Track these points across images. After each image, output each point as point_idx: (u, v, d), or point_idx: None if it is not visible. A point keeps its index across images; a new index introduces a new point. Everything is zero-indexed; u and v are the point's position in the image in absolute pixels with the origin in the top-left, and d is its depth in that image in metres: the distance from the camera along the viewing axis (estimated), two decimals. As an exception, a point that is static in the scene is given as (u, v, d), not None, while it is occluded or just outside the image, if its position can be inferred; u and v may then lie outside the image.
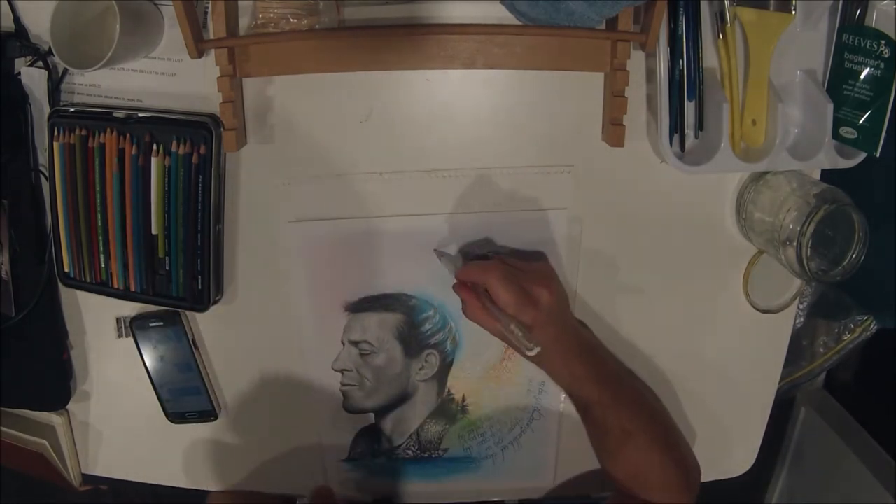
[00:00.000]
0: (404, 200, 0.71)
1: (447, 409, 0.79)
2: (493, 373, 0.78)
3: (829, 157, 0.67)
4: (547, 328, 0.63)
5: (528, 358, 0.65)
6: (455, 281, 0.66)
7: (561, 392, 0.78)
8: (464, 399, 0.79)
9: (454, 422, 0.80)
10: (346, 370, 0.77)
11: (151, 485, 0.83)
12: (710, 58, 0.66)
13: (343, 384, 0.78)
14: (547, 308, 0.63)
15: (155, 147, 0.65)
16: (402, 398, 0.79)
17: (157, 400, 0.77)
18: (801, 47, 0.66)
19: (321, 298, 0.74)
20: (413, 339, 0.76)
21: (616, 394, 0.68)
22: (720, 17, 0.64)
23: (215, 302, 0.71)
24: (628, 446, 0.68)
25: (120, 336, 0.75)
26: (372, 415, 0.79)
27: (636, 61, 0.66)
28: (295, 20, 0.62)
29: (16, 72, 0.67)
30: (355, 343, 0.76)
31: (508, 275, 0.62)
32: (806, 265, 0.64)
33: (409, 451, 0.81)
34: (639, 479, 0.69)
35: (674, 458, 0.69)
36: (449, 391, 0.78)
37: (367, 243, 0.72)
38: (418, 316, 0.75)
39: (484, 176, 0.70)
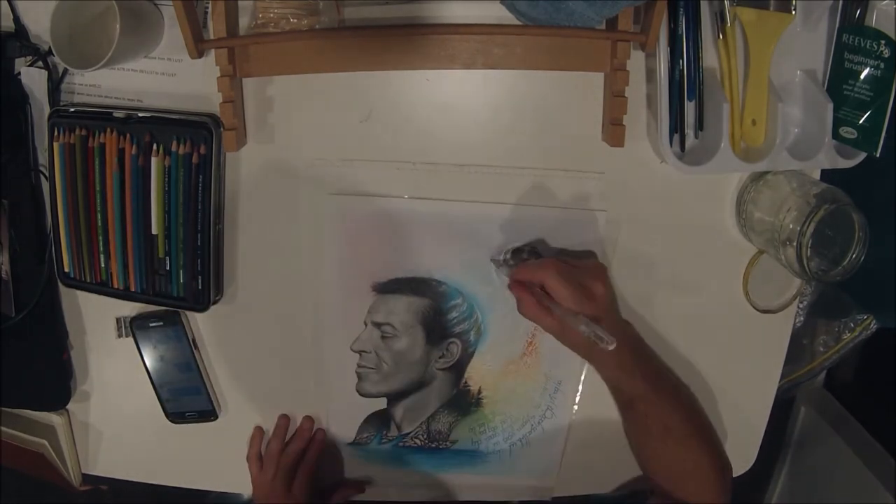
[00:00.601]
0: (439, 189, 0.70)
1: (461, 401, 0.79)
2: (513, 367, 0.77)
3: (829, 157, 0.67)
4: (602, 321, 0.64)
5: (580, 352, 0.68)
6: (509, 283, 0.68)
7: (576, 393, 0.78)
8: (479, 392, 0.78)
9: (466, 414, 0.79)
10: (364, 352, 0.76)
11: (151, 485, 0.83)
12: (710, 58, 0.66)
13: (360, 366, 0.77)
14: (602, 301, 0.65)
15: (155, 147, 0.65)
16: (418, 385, 0.78)
17: (157, 400, 0.77)
18: (801, 47, 0.66)
19: (350, 275, 0.73)
20: (437, 326, 0.75)
21: (658, 389, 0.69)
22: (720, 17, 0.64)
23: (215, 302, 0.71)
24: (668, 442, 0.68)
25: (120, 336, 0.75)
26: (384, 400, 0.79)
27: (636, 61, 0.66)
28: (295, 20, 0.62)
29: (16, 72, 0.67)
30: (378, 325, 0.75)
31: (564, 271, 0.64)
32: (806, 265, 0.64)
33: (417, 440, 0.81)
34: (676, 477, 0.69)
35: (711, 455, 0.70)
36: (465, 382, 0.78)
37: (402, 224, 0.71)
38: (446, 303, 0.74)
39: (521, 175, 0.70)
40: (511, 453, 0.81)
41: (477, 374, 0.78)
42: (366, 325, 0.75)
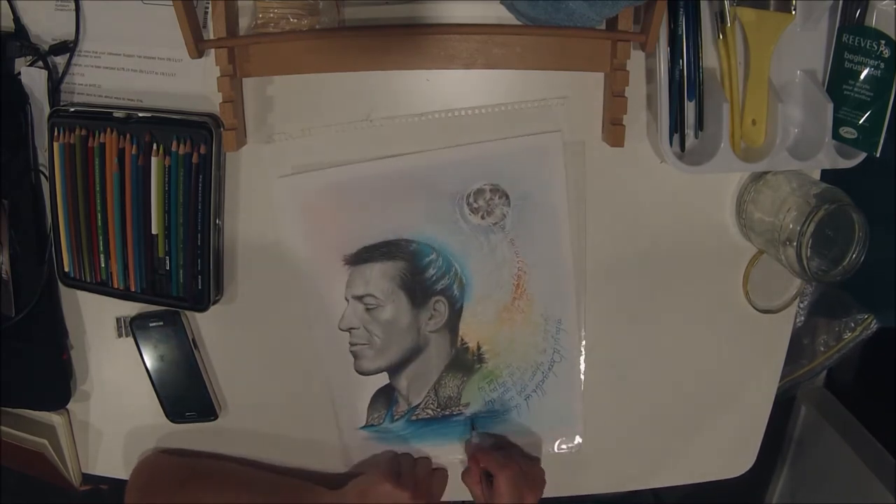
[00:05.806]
0: (395, 144, 0.69)
1: (463, 360, 0.76)
2: (506, 315, 0.74)
3: (829, 157, 0.67)
4: None
5: None
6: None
7: (580, 329, 0.75)
8: (479, 347, 0.76)
9: (472, 373, 0.76)
10: (353, 328, 0.74)
11: (152, 484, 0.83)
12: (710, 58, 0.66)
13: (352, 344, 0.75)
14: None
15: (155, 147, 0.65)
16: (415, 352, 0.75)
17: (157, 400, 0.77)
18: (801, 47, 0.66)
19: (319, 254, 0.71)
20: (418, 287, 0.73)
21: None
22: (720, 17, 0.64)
23: (215, 302, 0.71)
24: None
25: (120, 336, 0.75)
26: (386, 374, 0.76)
27: (636, 61, 0.66)
28: (295, 20, 0.62)
29: (16, 72, 0.67)
30: (359, 298, 0.73)
31: (515, 477, 0.71)
32: (806, 265, 0.64)
33: (429, 410, 0.78)
34: None
35: None
36: (462, 340, 0.75)
37: (359, 189, 0.69)
38: (421, 261, 0.72)
39: (476, 115, 0.68)
40: (529, 407, 0.78)
41: (472, 330, 0.75)
42: (347, 300, 0.73)
